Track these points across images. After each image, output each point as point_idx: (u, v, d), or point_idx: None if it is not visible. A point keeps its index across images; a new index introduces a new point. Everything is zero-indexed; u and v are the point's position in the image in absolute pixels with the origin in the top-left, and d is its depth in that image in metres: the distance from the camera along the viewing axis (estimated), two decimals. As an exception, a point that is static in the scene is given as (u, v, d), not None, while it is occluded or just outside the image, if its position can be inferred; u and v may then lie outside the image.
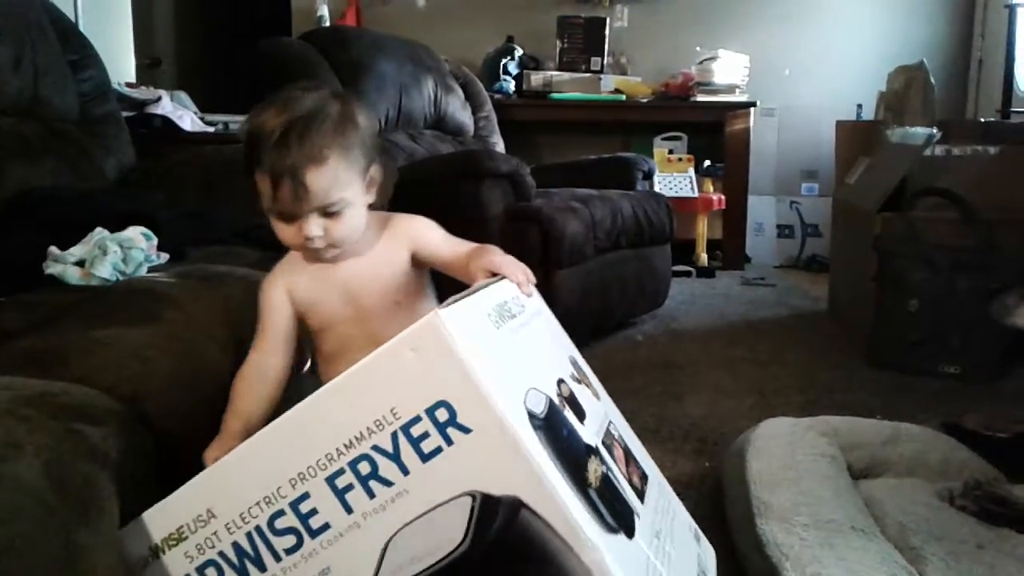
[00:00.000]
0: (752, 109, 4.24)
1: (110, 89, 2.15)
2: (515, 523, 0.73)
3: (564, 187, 3.07)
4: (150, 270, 1.44)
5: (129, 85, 2.59)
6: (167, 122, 2.40)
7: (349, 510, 0.77)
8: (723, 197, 4.20)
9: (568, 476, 0.74)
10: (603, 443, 0.88)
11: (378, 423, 0.75)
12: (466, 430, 0.74)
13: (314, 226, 1.03)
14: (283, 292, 1.12)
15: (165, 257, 1.51)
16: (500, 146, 3.69)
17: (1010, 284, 1.95)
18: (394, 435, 0.75)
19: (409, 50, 3.46)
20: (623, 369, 2.42)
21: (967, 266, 2.36)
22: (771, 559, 1.15)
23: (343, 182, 1.03)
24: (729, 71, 4.23)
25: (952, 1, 4.49)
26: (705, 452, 1.79)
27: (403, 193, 2.14)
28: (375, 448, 0.76)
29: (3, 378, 0.89)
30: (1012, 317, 1.87)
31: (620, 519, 0.79)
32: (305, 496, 0.78)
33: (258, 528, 0.80)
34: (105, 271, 1.37)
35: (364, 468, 0.76)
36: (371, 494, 0.76)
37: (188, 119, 2.49)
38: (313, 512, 0.78)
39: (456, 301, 0.79)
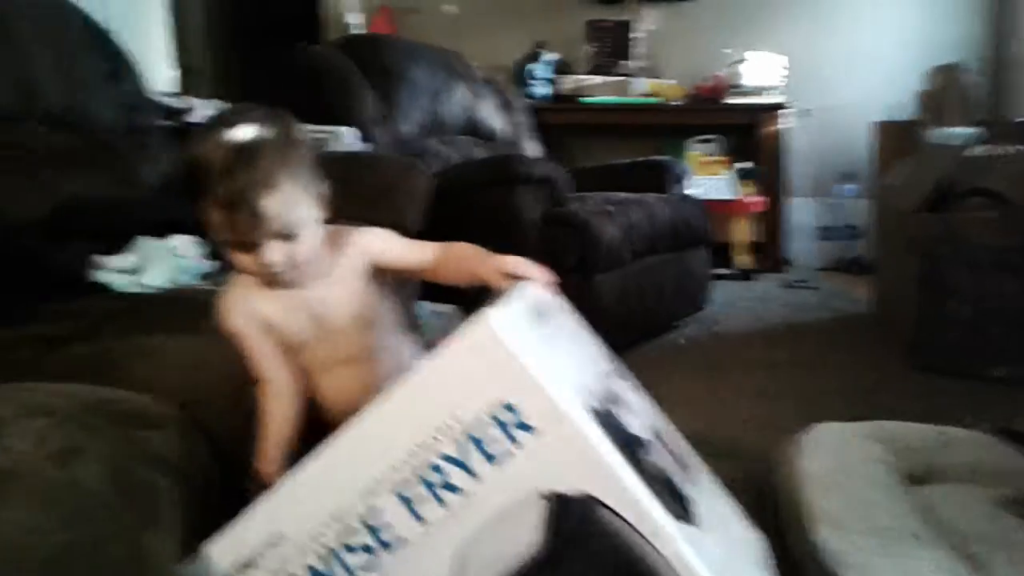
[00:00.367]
0: (785, 110, 4.20)
1: (147, 99, 2.17)
2: (590, 520, 0.72)
3: (598, 191, 3.06)
4: (201, 277, 1.45)
5: (165, 94, 2.62)
6: (205, 131, 2.42)
7: (420, 520, 0.76)
8: (761, 199, 4.16)
9: (633, 467, 0.74)
10: (653, 438, 0.88)
11: (441, 430, 0.75)
12: (531, 429, 0.73)
13: (274, 252, 1.00)
14: (241, 319, 1.08)
15: (213, 264, 1.51)
16: (534, 150, 3.68)
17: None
18: (459, 441, 0.74)
19: (440, 57, 3.47)
20: (666, 372, 2.41)
21: (1013, 266, 2.32)
22: (825, 566, 1.13)
23: (296, 203, 1.00)
24: (759, 73, 4.20)
25: (989, -2, 4.44)
26: (751, 455, 1.77)
27: (438, 199, 2.15)
28: (441, 455, 0.75)
29: (63, 385, 0.89)
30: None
31: (683, 507, 0.78)
32: (375, 510, 0.77)
33: (330, 547, 0.79)
34: (156, 279, 1.38)
35: (432, 476, 0.75)
36: (441, 502, 0.76)
37: (226, 128, 2.51)
38: (384, 526, 0.77)
39: (498, 304, 0.78)
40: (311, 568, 0.79)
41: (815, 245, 4.53)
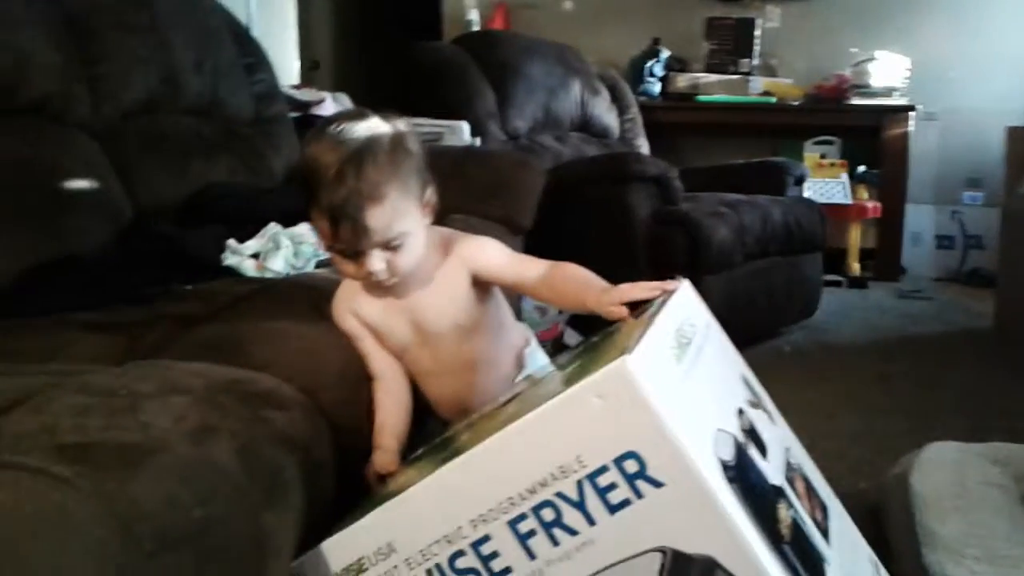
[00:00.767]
0: (911, 113, 4.04)
1: (279, 91, 2.26)
2: None
3: (711, 191, 3.02)
4: (318, 265, 1.51)
5: (294, 87, 2.71)
6: (329, 123, 2.50)
7: (532, 556, 0.75)
8: (878, 204, 4.02)
9: (763, 532, 0.70)
10: (786, 478, 0.84)
11: (563, 470, 0.72)
12: (657, 484, 0.69)
13: (376, 261, 1.00)
14: (352, 319, 1.12)
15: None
16: (645, 149, 3.66)
17: None
18: (579, 484, 0.71)
19: (556, 52, 3.48)
20: (770, 382, 2.34)
21: None
22: (939, 590, 1.10)
23: (402, 214, 0.99)
24: (887, 73, 4.05)
25: None
26: (860, 473, 1.73)
27: (550, 195, 2.17)
28: (559, 495, 0.72)
29: (196, 364, 0.94)
30: None
31: (813, 573, 0.75)
32: (486, 538, 0.76)
33: (438, 566, 0.78)
34: (278, 264, 1.44)
35: (548, 515, 0.73)
36: (555, 542, 0.74)
37: (348, 120, 2.58)
38: (495, 555, 0.76)
39: (639, 338, 0.73)
40: None
41: (932, 254, 4.34)
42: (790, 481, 0.84)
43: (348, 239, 0.98)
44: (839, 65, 4.16)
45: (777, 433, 0.92)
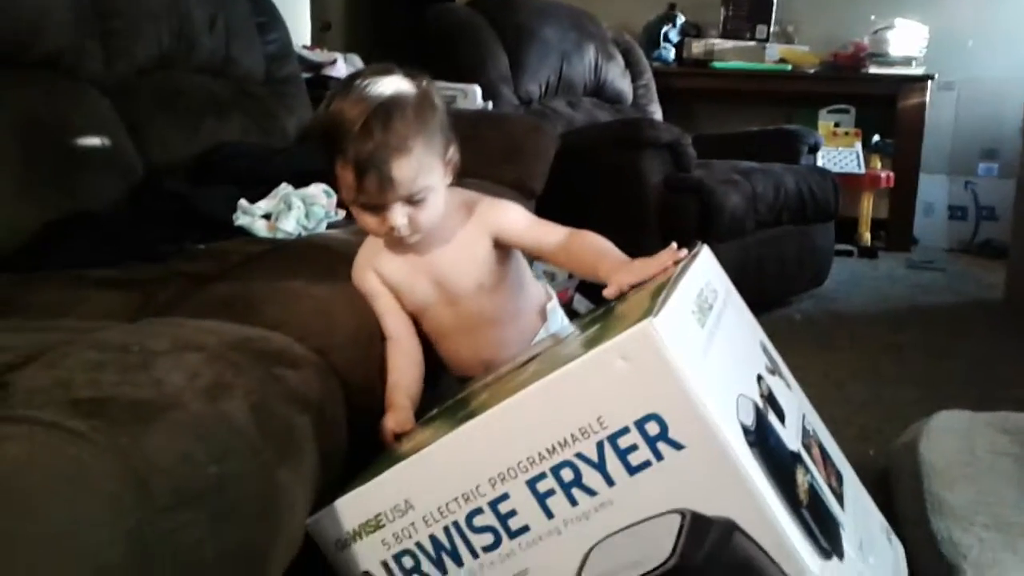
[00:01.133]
0: (929, 83, 3.99)
1: (292, 51, 2.25)
2: (727, 546, 0.69)
3: (724, 159, 3.00)
4: (329, 226, 1.50)
5: (306, 48, 2.69)
6: (341, 84, 2.48)
7: (550, 515, 0.75)
8: (891, 174, 3.99)
9: (782, 496, 0.70)
10: (803, 445, 0.84)
11: (583, 431, 0.72)
12: (678, 446, 0.69)
13: (399, 215, 1.01)
14: (374, 277, 1.13)
15: (342, 214, 1.57)
16: (658, 115, 3.63)
17: None
18: (600, 444, 0.72)
19: (571, 16, 3.44)
20: (779, 350, 2.35)
21: None
22: (947, 558, 1.10)
23: (426, 169, 1.01)
24: (905, 42, 3.99)
25: None
26: (868, 440, 1.73)
27: (562, 160, 2.16)
28: (579, 456, 0.72)
29: (207, 322, 0.94)
30: None
31: (830, 538, 0.75)
32: (504, 497, 0.76)
33: (456, 524, 0.79)
34: (289, 225, 1.44)
35: (567, 475, 0.73)
36: (573, 501, 0.74)
37: (360, 81, 2.57)
38: (512, 513, 0.76)
39: (663, 302, 0.72)
40: (434, 539, 0.80)
41: (944, 225, 4.31)
42: (807, 447, 0.84)
43: (373, 191, 0.99)
44: (857, 33, 4.10)
45: (794, 400, 0.92)
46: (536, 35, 3.19)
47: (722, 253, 2.54)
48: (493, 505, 0.77)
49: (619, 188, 2.63)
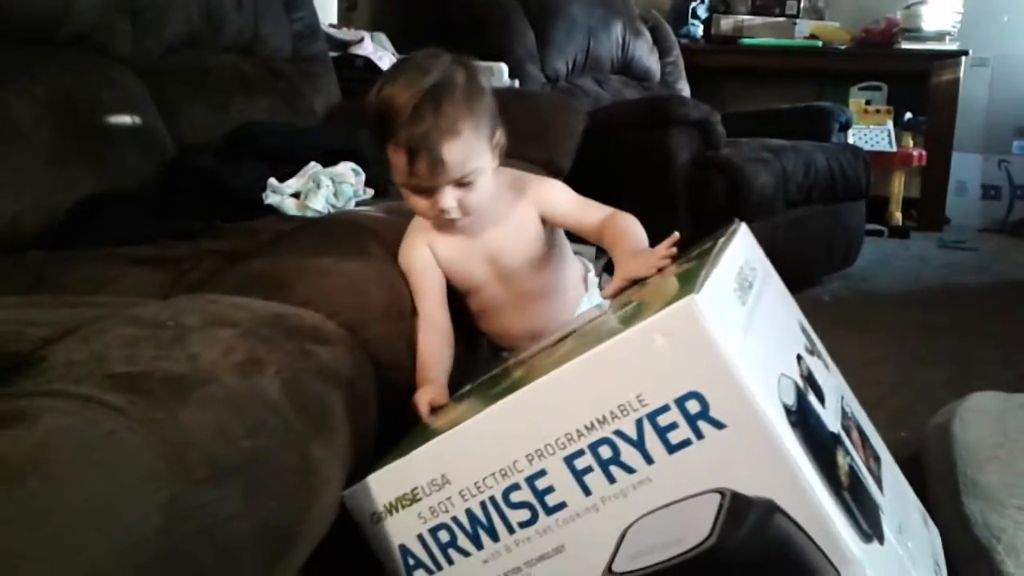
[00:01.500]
0: (963, 59, 3.92)
1: (319, 29, 2.25)
2: (767, 527, 0.68)
3: (754, 137, 2.97)
4: (357, 204, 1.51)
5: (332, 26, 2.69)
6: (368, 63, 2.48)
7: (587, 492, 0.74)
8: (923, 153, 3.93)
9: (824, 477, 0.69)
10: (843, 427, 0.82)
11: (622, 408, 0.71)
12: (719, 425, 0.68)
13: (449, 198, 1.03)
14: (427, 252, 1.14)
15: (371, 192, 1.57)
16: (686, 92, 3.59)
17: None
18: (639, 422, 0.71)
19: (600, -8, 3.41)
20: (808, 329, 2.34)
21: None
22: (980, 540, 1.09)
23: (476, 152, 1.03)
24: (938, 17, 3.92)
25: None
26: (900, 423, 1.71)
27: (589, 138, 2.14)
28: (617, 433, 0.72)
29: (239, 299, 0.95)
30: None
31: (871, 521, 0.73)
32: (542, 473, 0.75)
33: (492, 499, 0.78)
34: (318, 203, 1.44)
35: (605, 452, 0.72)
36: (611, 479, 0.73)
37: (387, 60, 2.56)
38: (549, 490, 0.76)
39: (704, 279, 0.71)
40: (470, 513, 0.80)
41: (977, 204, 4.25)
42: (846, 429, 0.83)
43: (424, 174, 1.01)
44: (889, 8, 4.03)
45: (832, 381, 0.91)
46: (563, 12, 3.16)
47: (752, 233, 2.55)
48: (530, 481, 0.76)
49: (647, 166, 2.61)
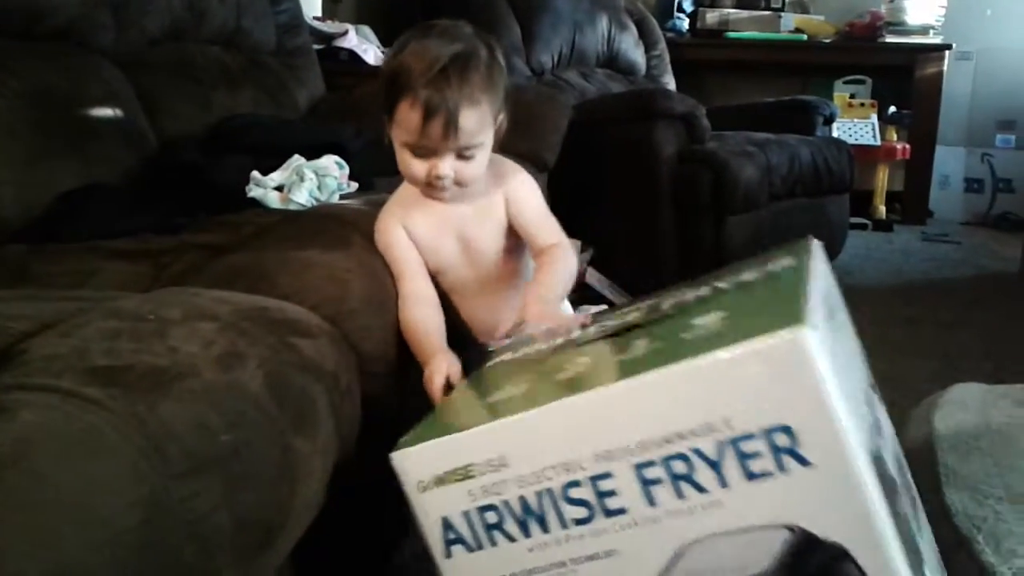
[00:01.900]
0: (946, 52, 3.94)
1: (303, 22, 2.23)
2: (831, 572, 0.66)
3: (739, 130, 2.97)
4: (341, 197, 1.50)
5: (316, 19, 2.68)
6: (353, 56, 2.47)
7: (652, 503, 0.71)
8: (907, 146, 3.95)
9: (896, 530, 0.67)
10: (899, 470, 0.80)
11: (706, 427, 0.68)
12: (805, 462, 0.65)
13: (447, 166, 1.04)
14: (401, 230, 1.14)
15: (355, 186, 1.56)
16: (672, 86, 3.60)
17: None
18: (721, 444, 0.68)
19: (585, -15, 3.40)
20: (793, 321, 2.34)
21: None
22: (960, 530, 1.09)
23: (486, 126, 1.04)
24: (922, 11, 3.94)
25: None
26: (882, 413, 1.72)
27: (574, 131, 2.14)
28: (696, 451, 0.69)
29: (221, 292, 0.94)
30: None
31: (919, 572, 0.71)
32: (607, 475, 0.73)
33: (550, 490, 0.75)
34: (302, 197, 1.43)
35: (679, 467, 0.69)
36: (680, 495, 0.70)
37: (372, 53, 2.55)
38: (612, 493, 0.73)
39: (804, 304, 0.67)
40: (524, 501, 0.77)
41: (960, 198, 4.27)
42: (901, 473, 0.81)
43: (436, 135, 1.01)
44: (873, 2, 4.05)
45: (882, 413, 0.88)
46: (548, 5, 3.16)
47: (735, 226, 2.56)
48: (594, 481, 0.73)
49: (632, 160, 2.61)
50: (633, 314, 0.94)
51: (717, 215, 2.53)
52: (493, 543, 0.79)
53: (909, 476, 0.95)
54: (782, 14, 4.07)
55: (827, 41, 4.04)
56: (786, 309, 0.68)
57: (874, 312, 2.54)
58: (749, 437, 0.66)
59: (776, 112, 3.28)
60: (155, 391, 0.68)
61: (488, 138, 1.06)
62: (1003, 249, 3.49)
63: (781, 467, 0.66)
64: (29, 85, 1.45)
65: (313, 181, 1.47)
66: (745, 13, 4.09)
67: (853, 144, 3.57)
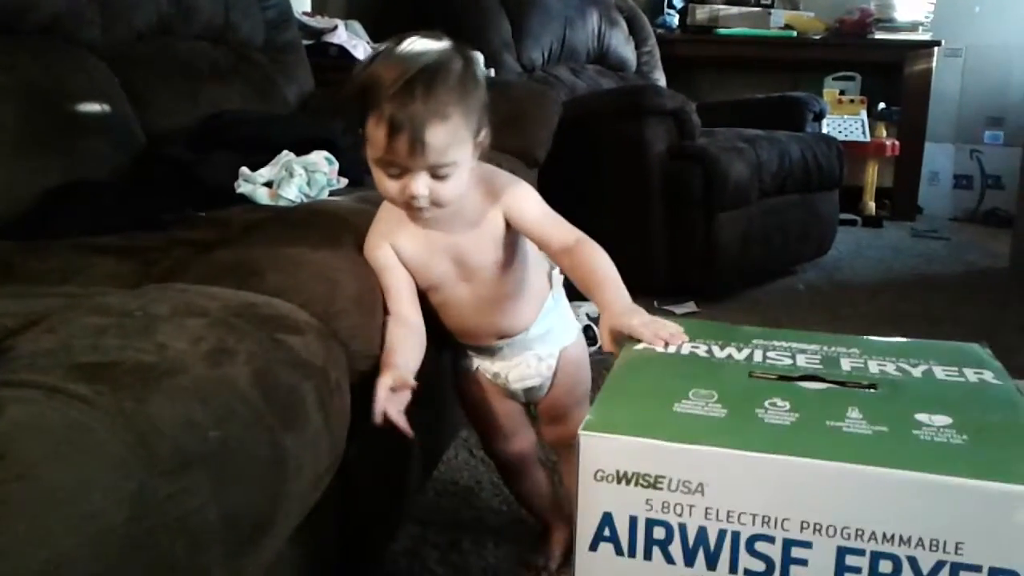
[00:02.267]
0: (935, 49, 3.96)
1: (292, 17, 2.22)
2: None
3: (729, 127, 2.98)
4: (331, 194, 1.49)
5: (305, 14, 2.67)
6: (342, 52, 2.46)
7: None
8: (896, 143, 3.96)
9: None
10: None
11: (934, 543, 0.66)
12: None
13: (421, 185, 0.97)
14: (389, 251, 1.10)
15: (344, 182, 1.56)
16: (662, 82, 3.60)
17: None
18: (939, 564, 0.66)
19: (575, -19, 3.40)
20: (781, 319, 2.36)
21: None
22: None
23: (459, 142, 0.97)
24: (911, 7, 3.96)
25: None
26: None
27: (565, 128, 2.14)
28: (910, 559, 0.67)
29: (209, 288, 0.94)
30: None
31: None
32: (806, 544, 0.70)
33: (737, 534, 0.71)
34: (291, 192, 1.43)
35: (884, 566, 0.67)
36: None
37: (361, 48, 2.54)
38: (802, 562, 0.70)
39: None
40: (703, 532, 0.73)
41: (949, 194, 4.29)
42: None
43: (402, 153, 0.95)
44: (863, -2, 4.06)
45: None
46: (538, 1, 3.16)
47: (726, 222, 2.57)
48: (788, 544, 0.70)
49: (622, 156, 2.62)
50: (794, 354, 0.91)
51: (707, 211, 2.53)
52: (648, 557, 0.75)
53: None
54: (772, 10, 4.08)
55: (817, 38, 4.05)
56: None
57: (864, 308, 2.55)
58: (974, 569, 0.65)
59: (766, 108, 3.29)
60: (143, 387, 0.67)
61: (464, 156, 0.99)
62: (992, 245, 3.51)
63: None
64: (14, 80, 1.44)
65: (302, 177, 1.46)
66: (735, 9, 4.09)
67: (843, 140, 3.57)
